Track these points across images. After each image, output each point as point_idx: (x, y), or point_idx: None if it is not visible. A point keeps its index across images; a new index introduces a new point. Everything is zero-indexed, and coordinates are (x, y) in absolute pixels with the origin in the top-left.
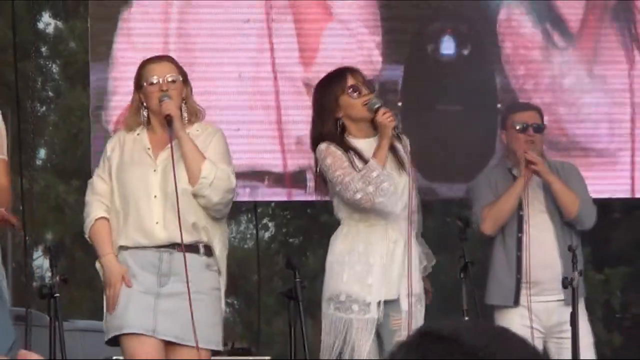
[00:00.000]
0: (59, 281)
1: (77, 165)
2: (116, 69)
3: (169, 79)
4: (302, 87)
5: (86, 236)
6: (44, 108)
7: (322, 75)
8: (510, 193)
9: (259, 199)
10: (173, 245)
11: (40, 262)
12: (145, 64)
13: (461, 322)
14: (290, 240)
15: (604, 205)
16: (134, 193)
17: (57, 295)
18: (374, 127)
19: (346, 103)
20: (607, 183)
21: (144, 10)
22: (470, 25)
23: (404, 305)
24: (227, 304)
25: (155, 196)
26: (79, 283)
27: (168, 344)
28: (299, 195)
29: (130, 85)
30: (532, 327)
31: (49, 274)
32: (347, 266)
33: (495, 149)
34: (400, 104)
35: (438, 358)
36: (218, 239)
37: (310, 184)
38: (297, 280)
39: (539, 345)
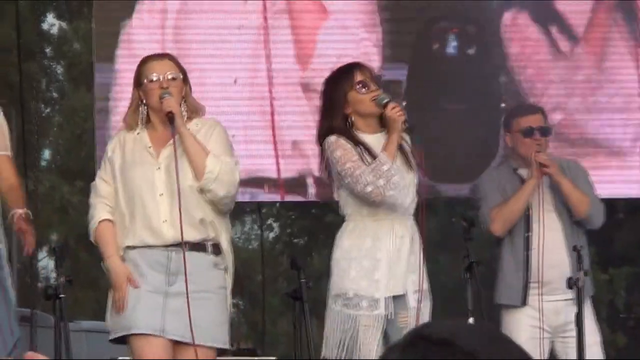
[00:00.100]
0: (63, 282)
1: (82, 166)
2: (119, 72)
3: (169, 77)
4: (299, 91)
5: (91, 238)
6: (48, 109)
7: (320, 75)
8: (520, 194)
9: (260, 199)
10: (179, 244)
11: (45, 262)
12: (145, 61)
13: (456, 325)
14: (295, 240)
15: (609, 206)
16: (139, 192)
17: (63, 296)
18: (382, 123)
19: (354, 99)
20: (621, 180)
21: (140, 16)
22: (475, 25)
23: (411, 302)
24: (232, 304)
25: (160, 194)
26: (83, 284)
27: (176, 343)
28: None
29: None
30: (541, 328)
31: (53, 274)
32: (354, 262)
33: (498, 148)
34: (404, 103)
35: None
36: (225, 234)
37: (312, 190)
38: (302, 280)
39: (546, 345)
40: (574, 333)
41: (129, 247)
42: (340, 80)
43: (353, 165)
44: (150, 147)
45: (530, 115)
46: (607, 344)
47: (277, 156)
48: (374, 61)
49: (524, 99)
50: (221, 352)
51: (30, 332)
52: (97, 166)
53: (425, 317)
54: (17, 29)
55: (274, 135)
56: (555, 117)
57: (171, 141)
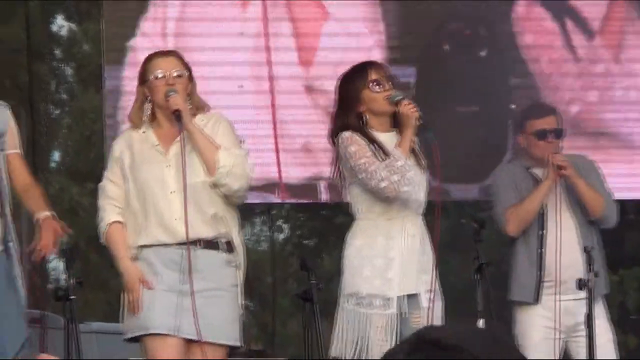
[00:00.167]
0: (74, 283)
1: (91, 168)
2: (126, 77)
3: (175, 74)
4: (302, 96)
5: (101, 241)
6: (57, 110)
7: (323, 76)
8: (535, 196)
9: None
10: (195, 242)
11: (55, 264)
12: (150, 58)
13: (460, 329)
14: (305, 242)
15: (619, 206)
16: (151, 191)
17: (74, 297)
18: (395, 122)
19: (368, 97)
20: (636, 174)
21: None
22: (486, 26)
23: (424, 301)
24: (243, 302)
25: (172, 192)
26: (93, 285)
27: (189, 341)
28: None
29: None
30: (556, 329)
31: (63, 276)
32: (366, 261)
33: (506, 150)
34: None
35: None
36: (236, 229)
37: (323, 195)
38: (313, 282)
39: (559, 345)
40: (592, 331)
41: (142, 246)
42: (355, 78)
43: (367, 160)
44: (157, 145)
45: (544, 117)
46: (618, 346)
47: (278, 163)
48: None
49: (537, 97)
50: (232, 349)
51: (40, 333)
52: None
53: (438, 317)
54: (26, 30)
55: (276, 143)
56: (572, 110)
57: (179, 138)
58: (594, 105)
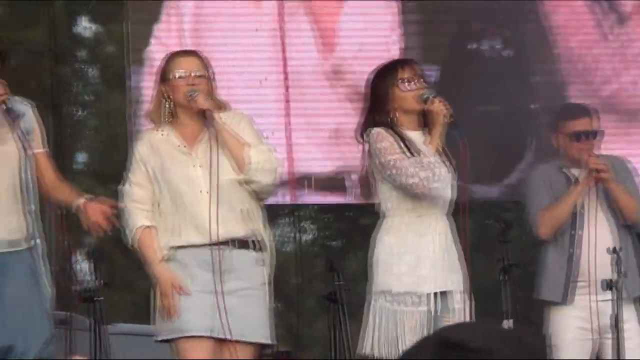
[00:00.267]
0: (101, 285)
1: (116, 169)
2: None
3: (197, 74)
4: (323, 81)
5: (130, 245)
6: (82, 112)
7: (345, 63)
8: (568, 198)
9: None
10: (227, 242)
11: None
12: (172, 58)
13: (486, 329)
14: (331, 243)
15: None
16: (181, 192)
17: (101, 298)
18: (425, 120)
19: (398, 95)
20: None
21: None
22: (510, 24)
23: (455, 302)
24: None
25: (201, 191)
26: (119, 286)
27: (221, 340)
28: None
29: None
30: (590, 329)
31: (89, 277)
32: (397, 258)
33: (527, 149)
34: None
35: None
36: (263, 224)
37: (352, 190)
38: (340, 283)
39: (592, 346)
40: (620, 334)
41: (176, 247)
42: (385, 75)
43: (397, 157)
44: (180, 145)
45: (579, 118)
46: None
47: (291, 159)
48: (394, 43)
49: (561, 97)
50: (265, 347)
51: (67, 334)
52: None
53: (468, 318)
54: (51, 33)
55: (288, 138)
56: (606, 89)
57: (204, 137)
58: (629, 85)
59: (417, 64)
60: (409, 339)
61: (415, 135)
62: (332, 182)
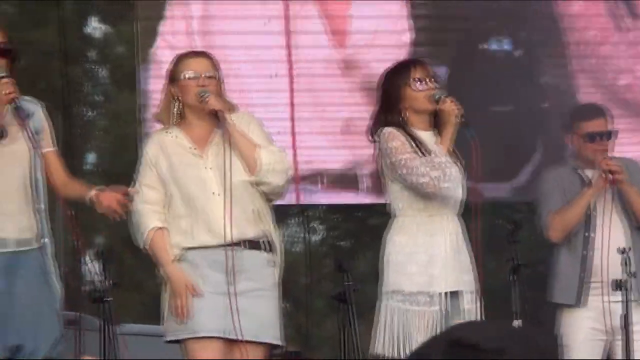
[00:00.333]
0: (110, 285)
1: (126, 170)
2: (158, 75)
3: (207, 75)
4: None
5: (142, 246)
6: (92, 112)
7: (359, 52)
8: (580, 201)
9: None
10: (239, 243)
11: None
12: (182, 58)
13: (498, 329)
14: (340, 243)
15: None
16: (193, 194)
17: (110, 299)
18: (436, 121)
19: (410, 94)
20: None
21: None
22: (522, 23)
23: (466, 302)
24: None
25: (213, 193)
26: (127, 287)
27: (231, 341)
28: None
29: None
30: (602, 330)
31: (98, 278)
32: (409, 257)
33: (535, 149)
34: None
35: None
36: (272, 225)
37: (364, 185)
38: (349, 283)
39: (600, 347)
40: (632, 335)
41: (187, 248)
42: (397, 75)
43: (409, 156)
44: (191, 148)
45: (594, 119)
46: None
47: (295, 154)
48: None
49: (571, 98)
50: (274, 347)
51: (77, 334)
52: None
53: (477, 318)
54: (61, 33)
55: (293, 135)
56: (621, 82)
57: (214, 139)
58: None
59: (429, 64)
60: (419, 339)
61: (426, 136)
62: (344, 179)
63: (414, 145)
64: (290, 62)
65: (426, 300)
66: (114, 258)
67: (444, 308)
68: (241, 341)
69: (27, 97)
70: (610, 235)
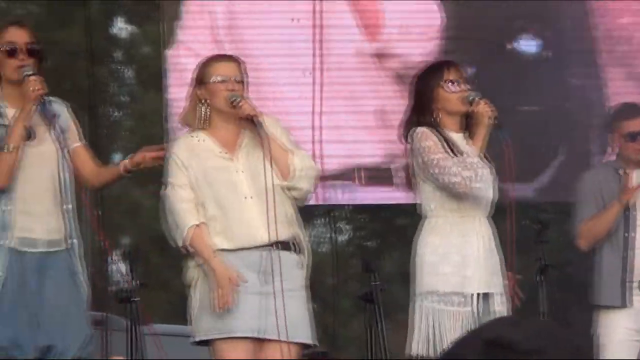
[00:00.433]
0: (137, 285)
1: (153, 170)
2: (178, 75)
3: (237, 79)
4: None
5: (181, 245)
6: (118, 113)
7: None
8: (607, 214)
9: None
10: (272, 245)
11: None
12: (211, 62)
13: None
14: (366, 243)
15: None
16: (226, 198)
17: (137, 299)
18: (467, 123)
19: (443, 96)
20: None
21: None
22: (549, 24)
23: (497, 304)
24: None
25: (245, 197)
26: (154, 287)
27: (263, 341)
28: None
29: None
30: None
31: (124, 278)
32: (442, 258)
33: (558, 149)
34: None
35: None
36: (301, 228)
37: (398, 179)
38: (376, 283)
39: (636, 348)
40: None
41: (222, 250)
42: (430, 76)
43: (441, 156)
44: (221, 152)
45: (635, 119)
46: None
47: (320, 149)
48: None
49: (597, 99)
50: (307, 347)
51: (104, 335)
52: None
53: None
54: (87, 33)
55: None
56: None
57: (243, 143)
58: None
59: (462, 66)
60: (452, 339)
61: (458, 137)
62: (379, 173)
63: (445, 146)
64: (321, 55)
65: (460, 301)
66: (140, 258)
67: (476, 309)
68: (274, 341)
69: (52, 98)
70: None
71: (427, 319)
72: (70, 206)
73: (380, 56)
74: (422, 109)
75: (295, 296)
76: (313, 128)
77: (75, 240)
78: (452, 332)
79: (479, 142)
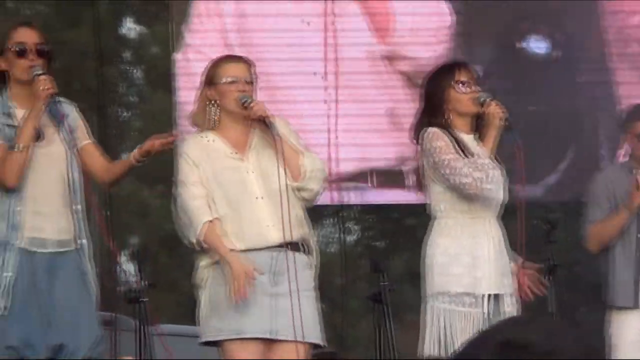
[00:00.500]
0: (145, 286)
1: (162, 170)
2: (187, 79)
3: (247, 80)
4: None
5: (195, 241)
6: (127, 113)
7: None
8: (615, 221)
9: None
10: (282, 245)
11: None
12: (221, 62)
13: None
14: (375, 243)
15: None
16: (237, 199)
17: (146, 300)
18: (477, 125)
19: (454, 97)
20: None
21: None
22: (559, 24)
23: (505, 304)
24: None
25: (257, 198)
26: (162, 287)
27: (274, 341)
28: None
29: None
30: None
31: (133, 278)
32: (454, 259)
33: (567, 150)
34: None
35: None
36: (311, 229)
37: (410, 180)
38: (385, 283)
39: None
40: None
41: (232, 250)
42: (441, 77)
43: (452, 157)
44: (232, 153)
45: None
46: None
47: (329, 152)
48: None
49: (608, 98)
50: (317, 347)
51: (113, 335)
52: (177, 170)
53: None
54: (95, 34)
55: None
56: None
57: (252, 143)
58: None
59: (473, 67)
60: (463, 340)
61: (468, 139)
62: (391, 176)
63: (456, 147)
64: (336, 59)
65: (472, 302)
66: (149, 258)
67: (487, 310)
68: (285, 341)
69: (60, 99)
70: None
71: (438, 319)
72: (79, 207)
73: (390, 59)
74: (433, 110)
75: (306, 296)
76: (329, 131)
77: (84, 241)
78: (463, 332)
79: (489, 143)
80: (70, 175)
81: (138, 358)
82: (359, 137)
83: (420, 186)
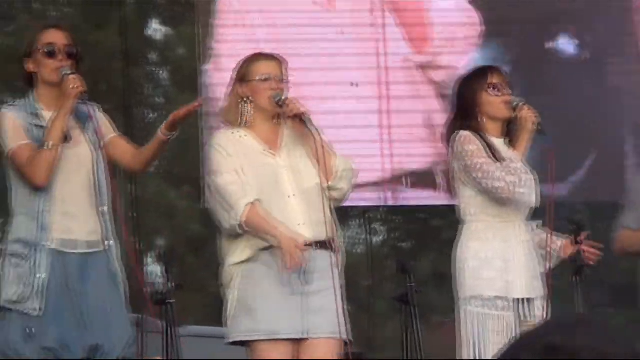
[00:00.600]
0: (173, 287)
1: (188, 172)
2: (218, 74)
3: (280, 78)
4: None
5: (236, 225)
6: (153, 114)
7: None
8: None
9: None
10: (311, 244)
11: (152, 268)
12: (255, 60)
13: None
14: (401, 244)
15: None
16: (269, 196)
17: (173, 301)
18: (508, 129)
19: (486, 100)
20: None
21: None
22: (588, 25)
23: (536, 308)
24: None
25: (289, 196)
26: (189, 288)
27: (302, 340)
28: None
29: None
30: None
31: (160, 280)
32: (486, 263)
33: (589, 150)
34: None
35: None
36: (337, 230)
37: (441, 182)
38: (412, 284)
39: None
40: None
41: (261, 249)
42: (474, 81)
43: (484, 161)
44: (265, 150)
45: None
46: None
47: (382, 155)
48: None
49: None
50: (346, 344)
51: (140, 336)
52: (204, 171)
53: None
54: (122, 35)
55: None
56: None
57: (284, 141)
58: None
59: (505, 71)
60: (496, 344)
61: (499, 143)
62: (424, 178)
63: (488, 151)
64: (386, 69)
65: (504, 305)
66: (175, 260)
67: (519, 314)
68: (317, 339)
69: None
70: None
71: (471, 324)
72: (105, 208)
73: (425, 68)
74: (465, 114)
75: (334, 294)
76: (382, 141)
77: (112, 242)
78: (496, 336)
79: (521, 147)
80: (96, 176)
81: (165, 357)
82: (401, 145)
83: (449, 189)
